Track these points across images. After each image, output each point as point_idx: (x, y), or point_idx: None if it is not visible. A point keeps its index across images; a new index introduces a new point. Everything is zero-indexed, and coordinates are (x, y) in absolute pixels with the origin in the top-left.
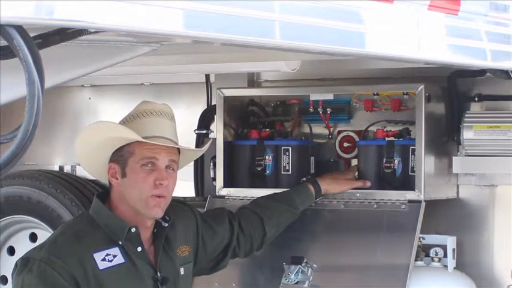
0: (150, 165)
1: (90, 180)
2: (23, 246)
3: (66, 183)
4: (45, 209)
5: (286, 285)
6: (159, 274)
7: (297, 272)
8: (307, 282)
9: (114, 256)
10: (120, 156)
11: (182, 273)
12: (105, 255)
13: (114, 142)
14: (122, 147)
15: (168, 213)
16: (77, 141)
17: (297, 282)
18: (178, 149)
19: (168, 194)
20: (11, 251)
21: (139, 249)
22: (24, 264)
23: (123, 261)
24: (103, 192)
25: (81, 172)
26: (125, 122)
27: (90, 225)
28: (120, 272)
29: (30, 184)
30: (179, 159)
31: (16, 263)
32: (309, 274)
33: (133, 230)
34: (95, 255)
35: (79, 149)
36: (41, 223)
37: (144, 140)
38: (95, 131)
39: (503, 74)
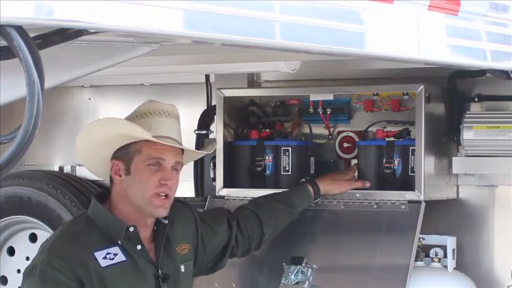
0: (156, 165)
1: (90, 181)
2: (23, 246)
3: (66, 183)
4: (45, 209)
5: (286, 286)
6: (160, 271)
7: (296, 273)
8: (307, 282)
9: (115, 254)
10: (126, 154)
11: (183, 270)
12: (106, 254)
13: (120, 139)
14: (129, 144)
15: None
16: (80, 135)
17: (297, 283)
18: (182, 150)
19: (172, 194)
20: (11, 251)
21: (138, 247)
22: (28, 271)
23: (124, 259)
24: (101, 192)
25: (81, 172)
26: (130, 119)
27: (89, 225)
28: (122, 269)
29: (30, 184)
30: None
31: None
32: (308, 274)
33: (131, 229)
34: (95, 254)
35: (80, 143)
36: (41, 223)
37: (156, 140)
38: (101, 127)
39: (503, 74)
